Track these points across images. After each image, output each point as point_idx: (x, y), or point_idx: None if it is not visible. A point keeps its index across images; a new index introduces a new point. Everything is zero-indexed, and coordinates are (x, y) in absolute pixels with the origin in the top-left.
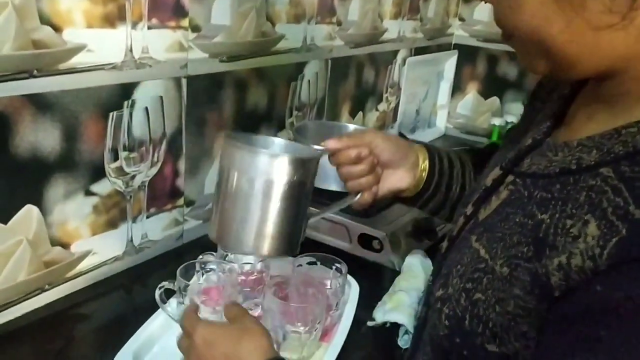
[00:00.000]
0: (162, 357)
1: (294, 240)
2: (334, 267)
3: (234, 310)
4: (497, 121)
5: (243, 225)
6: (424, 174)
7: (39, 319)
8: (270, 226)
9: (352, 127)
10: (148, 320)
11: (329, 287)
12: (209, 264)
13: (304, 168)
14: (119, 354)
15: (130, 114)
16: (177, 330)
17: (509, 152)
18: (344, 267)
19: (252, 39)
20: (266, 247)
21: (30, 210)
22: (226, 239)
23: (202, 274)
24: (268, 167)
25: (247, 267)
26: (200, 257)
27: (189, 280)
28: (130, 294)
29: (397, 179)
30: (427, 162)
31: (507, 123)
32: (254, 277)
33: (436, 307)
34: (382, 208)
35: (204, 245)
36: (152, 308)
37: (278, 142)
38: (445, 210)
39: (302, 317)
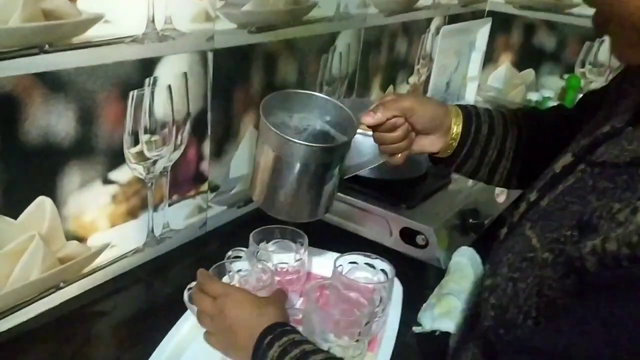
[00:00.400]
0: None
1: (325, 206)
2: (379, 269)
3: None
4: (533, 96)
5: (276, 193)
6: (454, 143)
7: (54, 319)
8: (302, 196)
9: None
10: (174, 328)
11: (373, 292)
12: (240, 265)
13: (335, 153)
14: None
15: (152, 93)
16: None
17: (583, 137)
18: (390, 270)
19: (284, 7)
20: (298, 214)
21: (42, 203)
22: (262, 202)
23: (234, 277)
24: (300, 153)
25: (282, 267)
26: (230, 253)
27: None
28: (152, 287)
29: (429, 143)
30: (459, 130)
31: (544, 98)
32: (289, 278)
33: (484, 296)
34: (426, 197)
35: (229, 233)
36: (174, 302)
37: (317, 101)
38: (481, 174)
39: (347, 328)
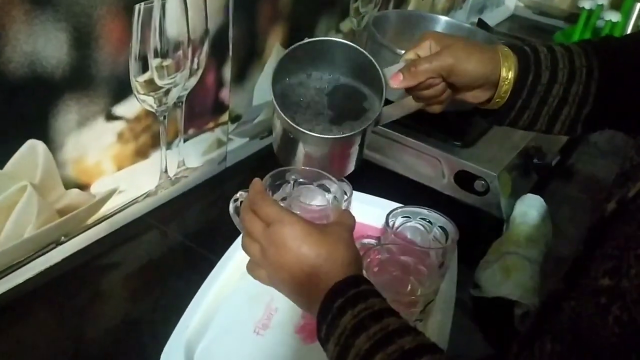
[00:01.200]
0: (220, 343)
1: (349, 166)
2: (436, 226)
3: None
4: (586, 4)
5: (295, 162)
6: (500, 101)
7: (57, 276)
8: (324, 167)
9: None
10: (195, 297)
11: (432, 257)
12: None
13: (356, 136)
14: (166, 347)
15: (163, 6)
16: (232, 304)
17: None
18: (452, 230)
19: None
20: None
21: (33, 148)
22: (280, 157)
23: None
24: (315, 142)
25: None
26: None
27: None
28: (165, 235)
29: (471, 96)
30: (510, 85)
31: (597, 6)
32: None
33: (598, 301)
34: (483, 132)
35: (252, 167)
36: (191, 250)
37: (338, 49)
38: (539, 125)
39: (406, 308)
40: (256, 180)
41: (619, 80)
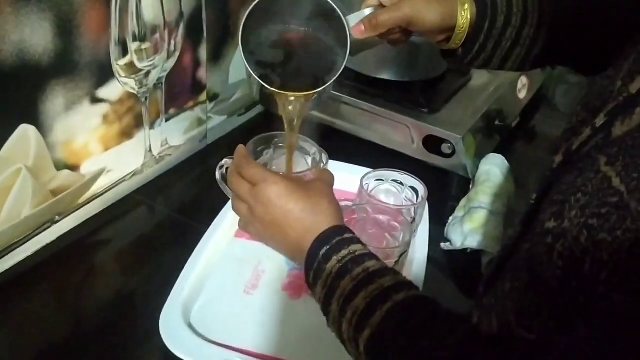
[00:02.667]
0: (214, 303)
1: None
2: (407, 187)
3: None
4: None
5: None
6: (458, 43)
7: (53, 254)
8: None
9: None
10: (188, 263)
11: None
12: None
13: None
14: (164, 308)
15: None
16: (223, 268)
17: None
18: (421, 189)
19: None
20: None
21: (25, 132)
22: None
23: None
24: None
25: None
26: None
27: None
28: (154, 210)
29: (431, 38)
30: (466, 29)
31: None
32: None
33: (545, 240)
34: (447, 98)
35: (231, 143)
36: (179, 223)
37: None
38: (493, 64)
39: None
40: (240, 146)
41: (569, 22)
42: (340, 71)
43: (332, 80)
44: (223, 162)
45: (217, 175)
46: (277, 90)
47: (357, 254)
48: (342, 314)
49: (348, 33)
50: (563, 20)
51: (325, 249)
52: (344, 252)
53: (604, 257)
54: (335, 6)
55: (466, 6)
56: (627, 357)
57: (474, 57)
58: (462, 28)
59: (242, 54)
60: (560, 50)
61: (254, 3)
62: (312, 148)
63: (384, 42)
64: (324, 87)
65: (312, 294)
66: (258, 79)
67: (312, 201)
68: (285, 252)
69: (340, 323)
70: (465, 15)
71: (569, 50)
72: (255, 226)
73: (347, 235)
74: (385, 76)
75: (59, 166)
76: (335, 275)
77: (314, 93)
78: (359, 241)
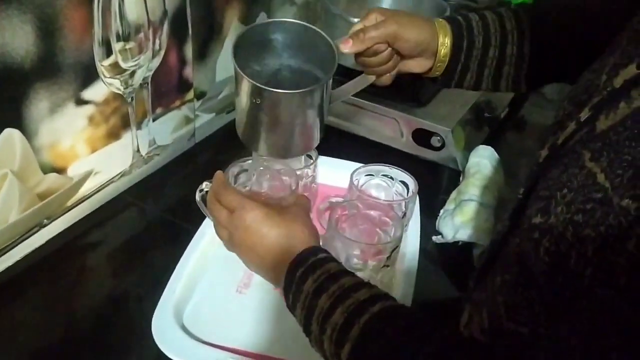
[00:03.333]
0: (206, 304)
1: (315, 139)
2: (397, 181)
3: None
4: None
5: (260, 136)
6: (441, 65)
7: (42, 258)
8: (288, 137)
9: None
10: (179, 265)
11: (395, 210)
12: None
13: (312, 95)
14: (156, 311)
15: None
16: (214, 268)
17: None
18: (412, 183)
19: None
20: (287, 152)
21: (9, 136)
22: (247, 141)
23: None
24: (279, 100)
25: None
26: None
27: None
28: (144, 210)
29: (416, 65)
30: (447, 51)
31: None
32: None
33: (532, 236)
34: (436, 91)
35: (220, 141)
36: (169, 223)
37: (290, 28)
38: (485, 85)
39: (374, 255)
40: (218, 172)
41: (551, 38)
42: (329, 75)
43: (321, 82)
44: (203, 185)
45: (197, 197)
46: (267, 88)
47: (331, 272)
48: (322, 331)
49: (335, 50)
50: (545, 35)
51: (300, 270)
52: (319, 272)
53: (589, 252)
54: (317, 29)
55: (444, 27)
56: (611, 351)
57: (461, 77)
58: (445, 45)
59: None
60: (551, 67)
61: (234, 41)
62: (290, 171)
63: (370, 82)
64: (309, 88)
65: (293, 316)
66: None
67: (287, 226)
68: (265, 276)
69: (321, 341)
70: (444, 33)
71: (559, 65)
72: (235, 251)
73: (320, 255)
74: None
75: (46, 169)
76: (312, 294)
77: (300, 92)
78: (333, 259)
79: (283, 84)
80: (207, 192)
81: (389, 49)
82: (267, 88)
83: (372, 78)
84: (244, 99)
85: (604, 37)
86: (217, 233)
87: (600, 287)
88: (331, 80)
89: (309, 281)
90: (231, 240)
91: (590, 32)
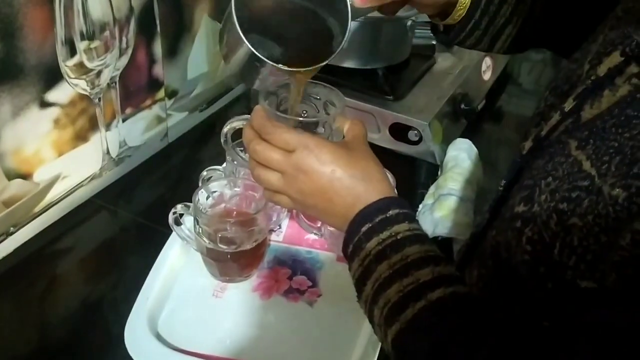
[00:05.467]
0: (182, 310)
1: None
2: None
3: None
4: None
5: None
6: (462, 12)
7: (10, 267)
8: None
9: None
10: (152, 270)
11: None
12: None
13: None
14: (129, 320)
15: None
16: (189, 272)
17: (636, 28)
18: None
19: None
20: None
21: None
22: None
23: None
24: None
25: None
26: (204, 174)
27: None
28: (116, 214)
29: (429, 11)
30: (468, 3)
31: None
32: None
33: (514, 225)
34: (412, 84)
35: (194, 140)
36: (143, 226)
37: None
38: (483, 44)
39: None
40: (258, 107)
41: (562, 3)
42: (343, 42)
43: (338, 50)
44: (178, 207)
45: (170, 219)
46: (287, 68)
47: (398, 237)
48: (374, 299)
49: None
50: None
51: (367, 226)
52: (385, 234)
53: (574, 242)
54: None
55: None
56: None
57: (467, 35)
58: (464, 4)
59: (240, 32)
60: (551, 32)
61: None
62: (323, 91)
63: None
64: (332, 57)
65: (348, 265)
66: (267, 61)
67: (360, 166)
68: (328, 220)
69: (372, 307)
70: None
71: (558, 32)
72: (291, 196)
73: (391, 213)
74: (348, 64)
75: (10, 176)
76: (373, 257)
77: (318, 67)
78: (404, 218)
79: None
80: (180, 214)
81: None
82: (284, 67)
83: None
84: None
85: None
86: (259, 178)
87: (584, 279)
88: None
89: (373, 241)
90: (287, 184)
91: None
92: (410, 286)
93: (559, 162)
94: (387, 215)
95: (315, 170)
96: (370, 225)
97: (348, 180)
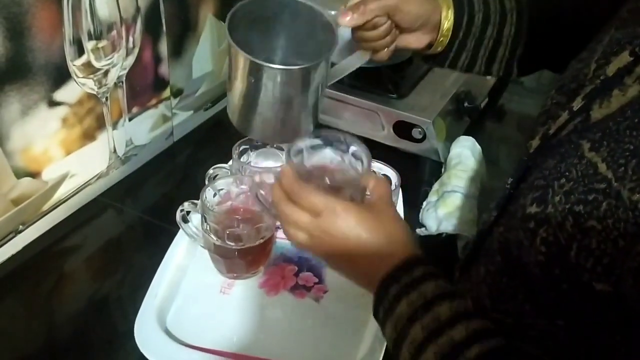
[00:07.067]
0: (190, 307)
1: (312, 121)
2: (379, 175)
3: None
4: None
5: (255, 118)
6: (444, 40)
7: (20, 264)
8: (285, 118)
9: None
10: (160, 267)
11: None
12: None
13: (312, 72)
14: (138, 316)
15: None
16: (196, 270)
17: None
18: (394, 178)
19: None
20: (283, 136)
21: None
22: (240, 126)
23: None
24: (272, 77)
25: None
26: (210, 172)
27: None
28: (122, 212)
29: (415, 40)
30: (450, 24)
31: None
32: None
33: (527, 226)
34: (416, 82)
35: (199, 139)
36: (149, 224)
37: (285, 3)
38: (478, 66)
39: None
40: (285, 168)
41: (548, 20)
42: (329, 53)
43: (322, 58)
44: (185, 204)
45: (178, 217)
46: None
47: (428, 297)
48: None
49: (333, 24)
50: (543, 17)
51: (395, 288)
52: (413, 296)
53: (592, 244)
54: (312, 4)
55: (449, 12)
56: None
57: (456, 56)
58: (448, 19)
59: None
60: (545, 51)
61: (228, 17)
62: (352, 144)
63: (367, 57)
64: (311, 64)
65: (381, 328)
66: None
67: (385, 229)
68: (353, 280)
69: None
70: (449, 19)
71: (553, 50)
72: (318, 254)
73: (417, 273)
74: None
75: (19, 174)
76: (406, 321)
77: (304, 67)
78: (431, 276)
79: (279, 62)
80: (187, 212)
81: (388, 22)
82: (265, 64)
83: (368, 54)
84: (239, 78)
85: (600, 23)
86: (288, 236)
87: (600, 282)
88: (330, 58)
89: (403, 303)
90: (314, 244)
91: (589, 16)
92: (445, 347)
93: (572, 163)
94: (414, 276)
95: (342, 235)
96: (398, 287)
97: (373, 244)
